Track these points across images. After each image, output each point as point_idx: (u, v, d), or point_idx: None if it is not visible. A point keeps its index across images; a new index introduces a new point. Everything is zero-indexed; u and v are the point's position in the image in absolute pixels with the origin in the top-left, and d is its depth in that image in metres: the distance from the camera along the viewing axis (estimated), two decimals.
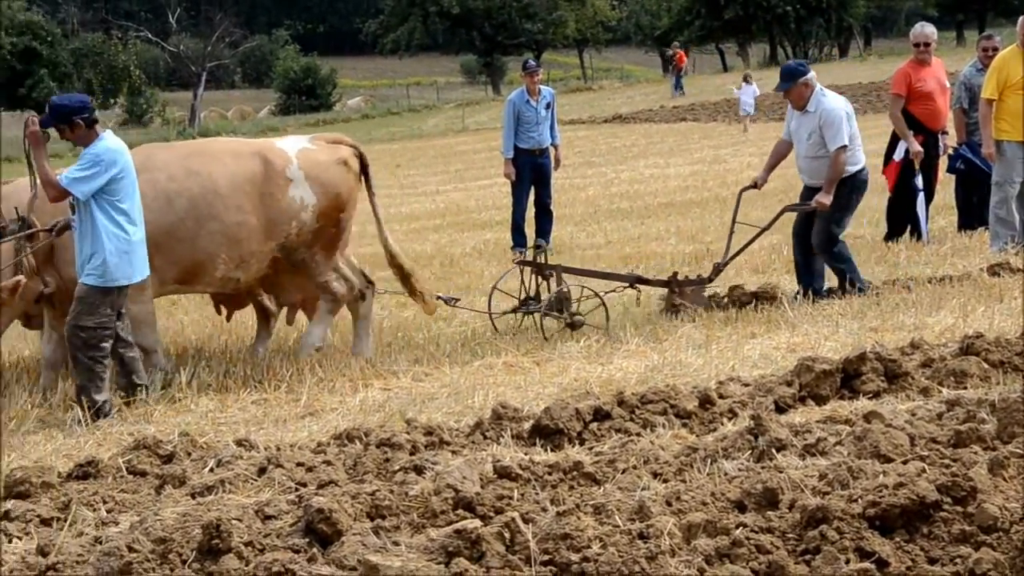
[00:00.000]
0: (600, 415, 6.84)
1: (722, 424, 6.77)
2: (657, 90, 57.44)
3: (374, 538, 4.76)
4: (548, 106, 15.19)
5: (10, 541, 5.33)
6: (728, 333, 9.35)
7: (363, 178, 9.68)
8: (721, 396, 7.17)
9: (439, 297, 10.45)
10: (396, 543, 4.75)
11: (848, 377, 7.31)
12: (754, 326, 9.55)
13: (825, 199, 10.32)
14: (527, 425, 6.83)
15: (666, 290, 10.48)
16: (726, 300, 10.41)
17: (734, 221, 10.92)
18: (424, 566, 4.35)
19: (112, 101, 68.36)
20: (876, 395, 7.14)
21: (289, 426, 7.69)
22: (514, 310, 10.44)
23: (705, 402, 7.04)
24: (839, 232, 10.53)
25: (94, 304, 8.11)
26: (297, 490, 5.84)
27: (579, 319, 9.99)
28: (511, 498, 5.24)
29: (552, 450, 6.49)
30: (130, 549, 4.71)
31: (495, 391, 8.11)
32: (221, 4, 79.28)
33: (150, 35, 72.90)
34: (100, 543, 4.98)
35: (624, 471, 5.65)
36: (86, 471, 6.40)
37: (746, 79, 35.81)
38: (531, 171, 15.22)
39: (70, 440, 7.53)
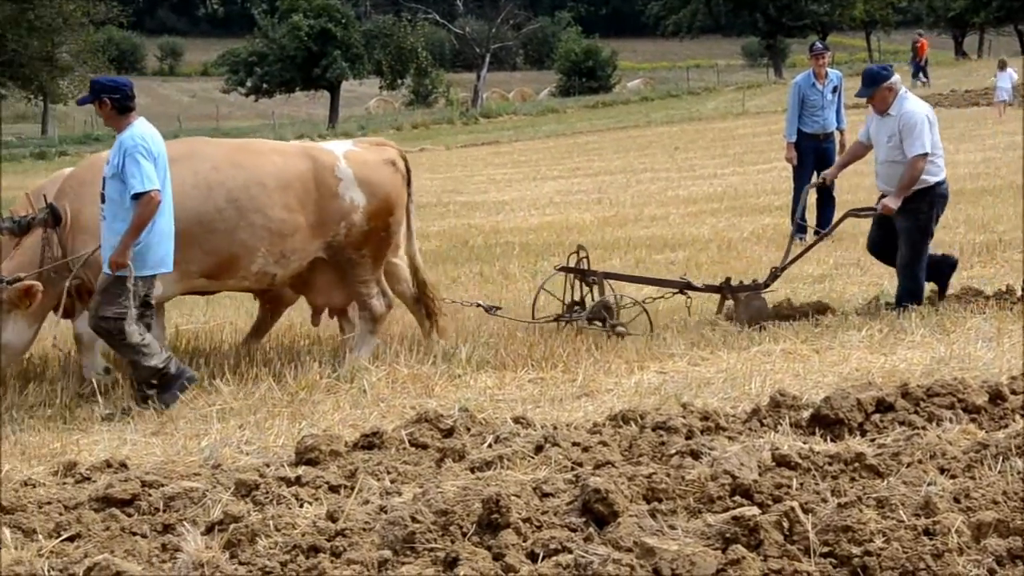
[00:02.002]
0: (883, 407, 6.66)
1: (1014, 421, 6.50)
2: (948, 73, 55.49)
3: (650, 521, 4.76)
4: (835, 90, 14.87)
5: (301, 506, 5.55)
6: (1022, 327, 8.96)
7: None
8: (1013, 392, 6.88)
9: (479, 305, 10.15)
10: (672, 527, 4.74)
11: None
12: None
13: (893, 203, 9.82)
14: (806, 414, 6.71)
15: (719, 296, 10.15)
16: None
17: (795, 222, 10.47)
18: (701, 551, 4.32)
19: (400, 82, 70.14)
20: None
21: (565, 405, 7.75)
22: (556, 318, 9.94)
23: (996, 397, 6.77)
24: (925, 254, 9.98)
25: (115, 294, 7.92)
26: (573, 469, 5.88)
27: (621, 329, 9.57)
28: (790, 487, 5.15)
29: (832, 440, 6.36)
30: (413, 519, 4.84)
31: (772, 378, 8.00)
32: None
33: (438, 17, 74.50)
34: (385, 512, 5.13)
35: (909, 465, 5.49)
36: (371, 441, 6.59)
37: (1001, 65, 34.56)
38: (814, 156, 14.93)
39: (356, 411, 7.77)
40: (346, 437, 6.75)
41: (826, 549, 4.45)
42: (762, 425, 6.67)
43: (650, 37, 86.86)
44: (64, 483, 6.09)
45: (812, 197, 15.04)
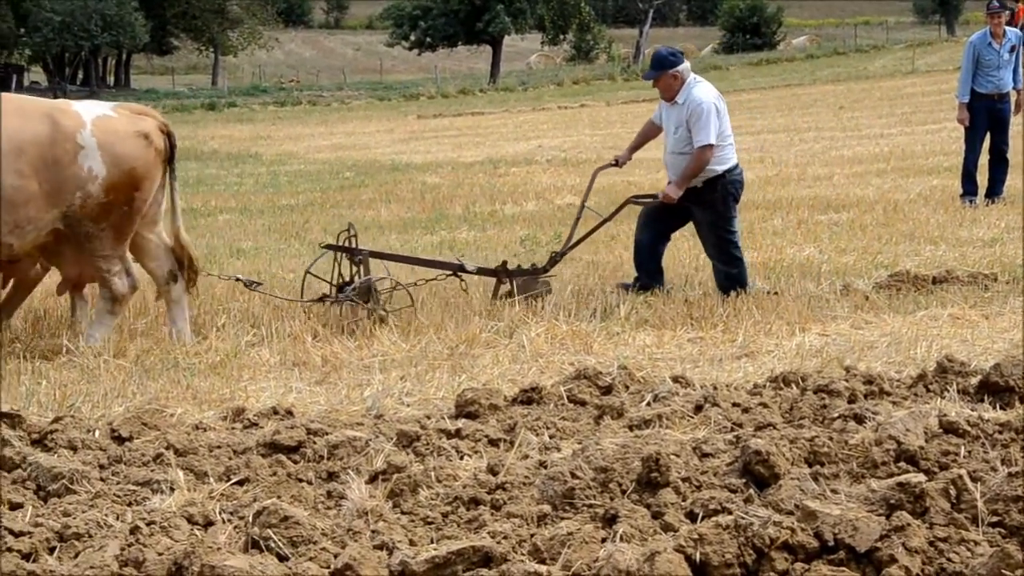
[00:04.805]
0: None
1: None
2: None
3: (812, 484, 4.71)
4: (1012, 49, 14.45)
5: (461, 458, 5.62)
6: None
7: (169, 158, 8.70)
8: None
9: (238, 279, 9.55)
10: (835, 491, 4.68)
11: None
12: None
13: (674, 192, 9.46)
14: (974, 380, 6.56)
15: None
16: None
17: (583, 205, 10.01)
18: (864, 517, 4.26)
19: (562, 37, 70.11)
20: None
21: (725, 366, 7.69)
22: (322, 298, 9.34)
23: None
24: (736, 240, 9.64)
25: None
26: (733, 430, 5.84)
27: (382, 312, 8.97)
28: (957, 455, 5.06)
29: (1001, 408, 6.20)
30: (573, 475, 4.86)
31: (939, 343, 7.83)
32: None
33: None
34: (544, 467, 5.17)
35: None
36: (530, 396, 6.62)
37: None
38: (987, 116, 14.54)
39: (515, 366, 7.81)
40: (505, 392, 6.79)
41: (995, 519, 4.35)
42: (928, 391, 6.54)
43: None
44: (233, 428, 6.25)
45: (983, 159, 14.70)
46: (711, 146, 9.43)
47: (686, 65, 9.71)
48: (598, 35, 71.95)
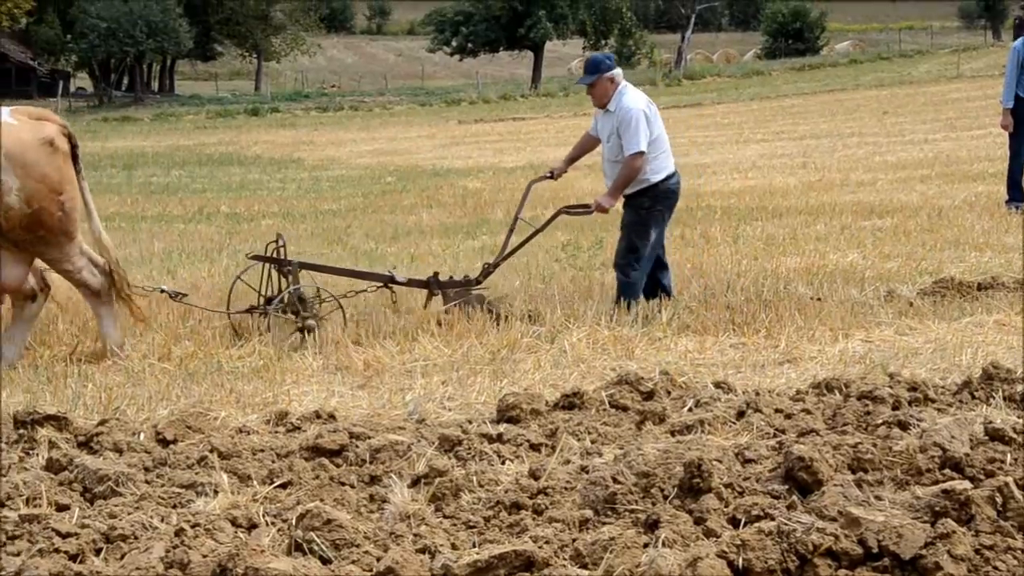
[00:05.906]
0: None
1: None
2: None
3: (856, 491, 4.69)
4: None
5: (503, 463, 5.62)
6: None
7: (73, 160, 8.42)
8: None
9: (163, 291, 9.14)
10: (879, 498, 4.66)
11: None
12: None
13: (606, 203, 9.31)
14: (1020, 387, 6.51)
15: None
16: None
17: (517, 217, 9.77)
18: (908, 524, 4.23)
19: (603, 42, 70.09)
20: None
21: (767, 372, 7.66)
22: (249, 309, 9.12)
23: None
24: (643, 251, 9.37)
25: None
26: (776, 436, 5.82)
27: (311, 323, 8.77)
28: (1003, 462, 5.01)
29: None
30: (615, 480, 4.86)
31: (985, 350, 7.77)
32: None
33: None
34: (586, 472, 5.16)
35: None
36: (571, 401, 6.62)
37: None
38: None
39: (556, 370, 7.81)
40: (547, 396, 6.79)
41: None
42: (973, 398, 6.49)
43: None
44: (276, 431, 6.28)
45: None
46: (642, 153, 9.29)
47: (619, 71, 9.66)
48: (640, 40, 71.83)
